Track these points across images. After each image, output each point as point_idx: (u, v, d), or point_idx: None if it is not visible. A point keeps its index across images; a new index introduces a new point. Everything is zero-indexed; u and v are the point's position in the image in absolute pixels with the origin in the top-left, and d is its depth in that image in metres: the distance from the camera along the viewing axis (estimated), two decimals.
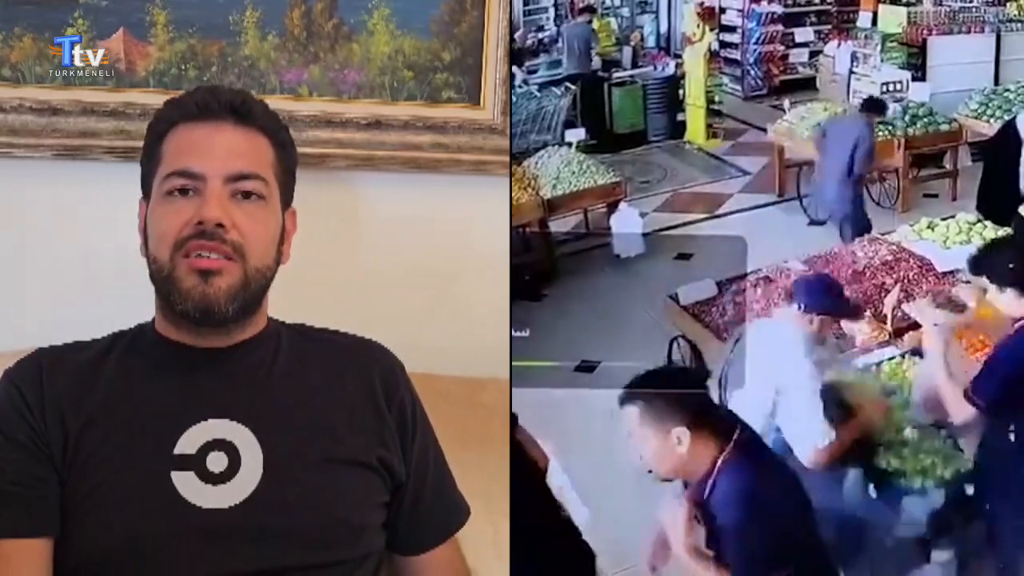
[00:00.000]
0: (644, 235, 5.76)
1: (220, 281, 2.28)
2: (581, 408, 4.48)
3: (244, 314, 2.36)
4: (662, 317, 4.51)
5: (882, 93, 6.93)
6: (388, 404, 2.50)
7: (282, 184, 2.44)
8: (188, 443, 2.28)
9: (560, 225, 6.07)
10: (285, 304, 2.52)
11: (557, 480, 3.28)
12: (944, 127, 6.29)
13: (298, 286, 2.53)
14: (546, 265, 5.71)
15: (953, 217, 4.78)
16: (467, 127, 3.26)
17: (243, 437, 2.31)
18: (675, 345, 4.42)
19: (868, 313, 4.10)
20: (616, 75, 8.08)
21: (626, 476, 3.60)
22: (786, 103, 6.98)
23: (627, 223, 5.73)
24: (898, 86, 7.01)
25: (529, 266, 5.67)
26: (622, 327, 4.94)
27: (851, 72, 7.59)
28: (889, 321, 4.00)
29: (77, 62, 3.06)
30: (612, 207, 5.89)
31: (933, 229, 4.70)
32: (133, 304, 2.43)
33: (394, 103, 3.24)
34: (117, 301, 2.56)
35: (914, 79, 7.09)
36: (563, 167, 5.98)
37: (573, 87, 7.49)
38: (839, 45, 7.96)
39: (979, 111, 6.35)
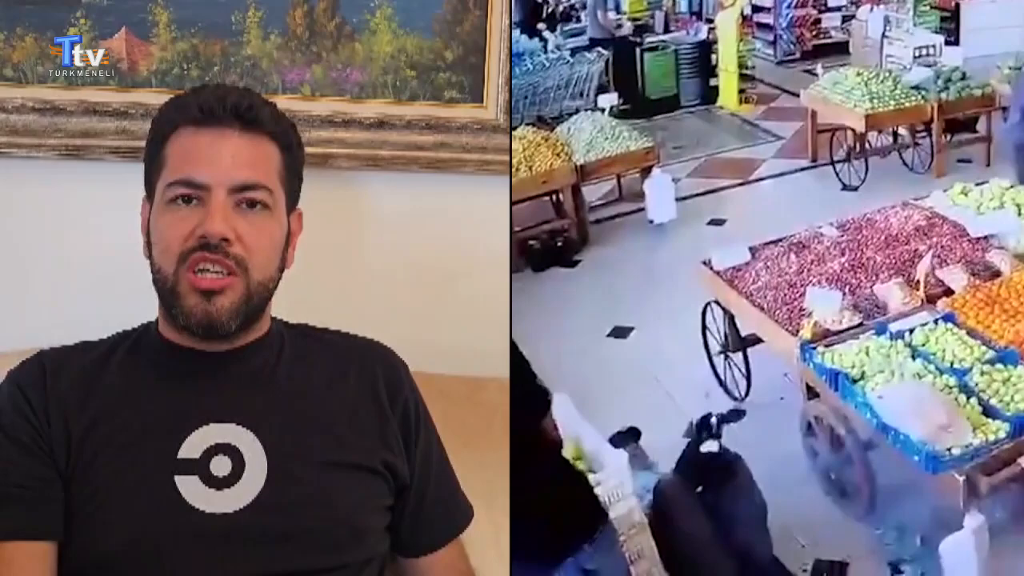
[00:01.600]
0: (677, 200, 5.76)
1: (223, 299, 2.28)
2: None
3: (246, 327, 2.37)
4: (695, 283, 4.52)
5: (915, 58, 6.92)
6: (392, 405, 2.51)
7: (288, 189, 2.43)
8: (192, 447, 2.29)
9: (593, 191, 6.08)
10: (288, 304, 2.53)
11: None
12: (978, 92, 6.25)
13: (301, 286, 2.54)
14: (579, 231, 5.72)
15: (987, 183, 4.75)
16: (470, 126, 3.25)
17: (247, 441, 2.32)
18: (708, 310, 4.43)
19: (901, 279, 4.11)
20: (648, 40, 8.08)
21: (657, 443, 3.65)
22: (819, 68, 6.97)
23: (660, 189, 5.72)
24: (931, 50, 6.99)
25: (562, 232, 5.69)
26: (655, 293, 4.98)
27: (884, 36, 7.57)
28: (922, 287, 3.99)
29: (77, 62, 3.05)
30: (645, 173, 5.88)
31: (967, 195, 4.67)
32: (136, 304, 2.44)
33: (397, 102, 3.23)
34: (119, 301, 2.57)
35: (947, 43, 7.08)
36: (596, 133, 5.97)
37: (605, 52, 7.49)
38: (872, 9, 7.95)
39: (1013, 75, 6.32)
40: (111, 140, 3.08)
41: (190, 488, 2.25)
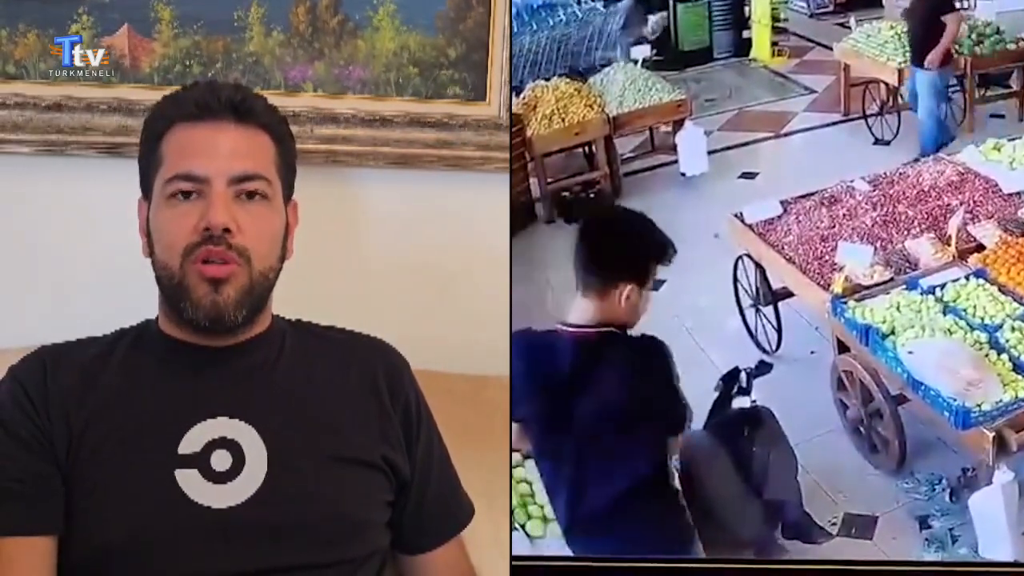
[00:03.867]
0: (709, 153, 5.75)
1: (228, 289, 2.32)
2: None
3: (250, 320, 2.40)
4: (727, 236, 4.53)
5: None
6: (393, 402, 2.54)
7: (284, 180, 2.47)
8: (192, 441, 2.32)
9: (625, 143, 6.06)
10: (289, 301, 2.56)
11: None
12: (1011, 46, 6.20)
13: (302, 283, 2.57)
14: (612, 183, 5.71)
15: (1020, 138, 4.74)
16: (472, 124, 3.29)
17: (247, 435, 2.35)
18: (740, 264, 4.44)
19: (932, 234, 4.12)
20: None
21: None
22: (852, 21, 6.90)
23: (692, 141, 5.71)
24: (965, 4, 6.94)
25: (594, 184, 5.68)
26: (687, 245, 4.97)
27: None
28: (953, 242, 4.00)
29: (77, 62, 3.08)
30: (677, 125, 5.86)
31: (999, 150, 4.66)
32: (137, 301, 2.48)
33: (399, 100, 3.28)
34: (121, 298, 2.61)
35: None
36: (628, 85, 5.95)
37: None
38: None
39: None
40: (112, 137, 3.11)
41: (190, 482, 2.28)
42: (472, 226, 3.35)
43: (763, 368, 3.59)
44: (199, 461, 2.31)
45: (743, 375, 3.46)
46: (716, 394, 3.57)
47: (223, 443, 2.33)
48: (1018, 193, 4.34)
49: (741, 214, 4.46)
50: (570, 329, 2.77)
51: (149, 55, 3.15)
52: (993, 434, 3.19)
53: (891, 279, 3.88)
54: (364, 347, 2.66)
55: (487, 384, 3.10)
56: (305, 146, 2.83)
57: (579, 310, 2.78)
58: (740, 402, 3.43)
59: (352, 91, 3.27)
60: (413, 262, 3.35)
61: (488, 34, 3.29)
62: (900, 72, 5.99)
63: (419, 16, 3.26)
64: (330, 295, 3.09)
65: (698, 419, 3.57)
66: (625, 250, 2.82)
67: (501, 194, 3.33)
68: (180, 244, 2.32)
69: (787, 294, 4.28)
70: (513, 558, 2.86)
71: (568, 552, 2.92)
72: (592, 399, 2.73)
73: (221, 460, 2.32)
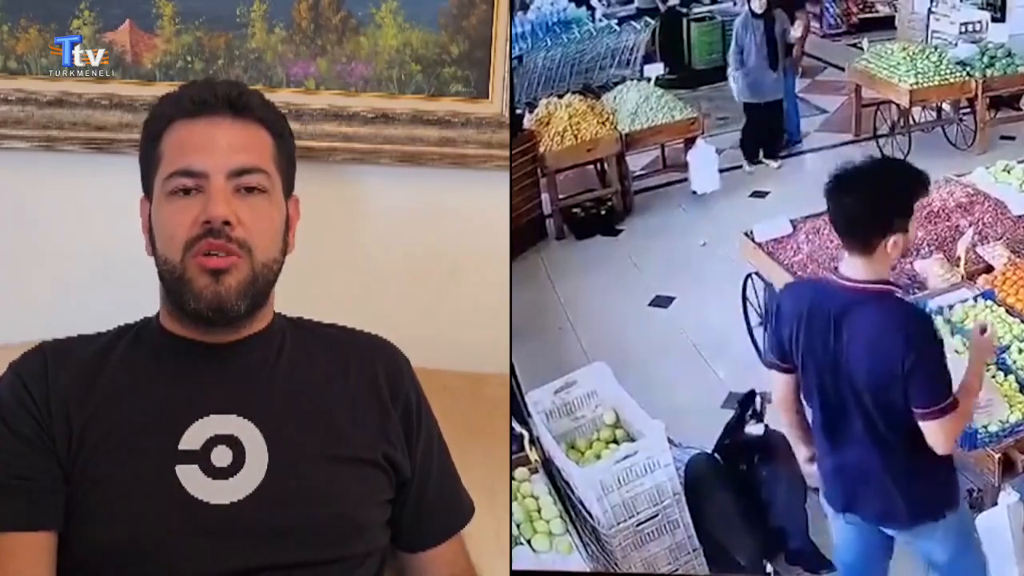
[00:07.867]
0: (720, 171, 5.76)
1: (230, 279, 2.36)
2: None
3: (254, 309, 2.44)
4: (737, 254, 4.54)
5: (961, 33, 6.88)
6: (393, 400, 2.58)
7: (283, 174, 2.51)
8: (193, 438, 2.36)
9: (637, 160, 6.07)
10: (289, 298, 2.60)
11: None
12: (1022, 69, 6.22)
13: (302, 280, 2.61)
14: (623, 200, 5.72)
15: None
16: (474, 121, 3.32)
17: (248, 432, 2.39)
18: (749, 282, 4.46)
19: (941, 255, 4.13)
20: (695, 10, 8.03)
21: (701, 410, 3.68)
22: (864, 42, 6.92)
23: (704, 159, 5.72)
24: (977, 27, 6.95)
25: (605, 201, 5.70)
26: (697, 263, 5.00)
27: (930, 12, 7.51)
28: (962, 263, 4.01)
29: (77, 62, 3.12)
30: (689, 143, 5.88)
31: (1010, 172, 4.68)
32: (138, 297, 2.52)
33: (401, 97, 3.31)
34: (122, 293, 2.66)
35: (993, 20, 7.02)
36: (641, 102, 5.97)
37: (652, 22, 7.46)
38: None
39: None
40: (114, 133, 3.15)
41: (191, 478, 2.32)
42: (473, 223, 3.38)
43: None
44: (200, 457, 2.35)
45: (758, 399, 3.45)
46: (732, 412, 3.58)
47: (224, 439, 2.38)
48: None
49: (751, 232, 4.47)
50: (844, 281, 2.80)
51: (151, 51, 3.18)
52: (999, 455, 3.20)
53: None
54: (364, 345, 2.70)
55: (487, 381, 3.13)
56: (306, 143, 2.86)
57: (849, 265, 2.80)
58: (754, 428, 3.43)
59: (354, 88, 3.30)
60: (414, 259, 3.38)
61: (491, 31, 3.32)
62: (911, 93, 6.00)
63: (422, 13, 3.30)
64: (331, 292, 3.15)
65: (708, 437, 3.59)
66: (881, 203, 2.75)
67: (502, 192, 3.35)
68: (181, 239, 2.37)
69: None
70: (513, 573, 2.88)
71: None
72: (859, 354, 2.75)
73: (222, 456, 2.36)
